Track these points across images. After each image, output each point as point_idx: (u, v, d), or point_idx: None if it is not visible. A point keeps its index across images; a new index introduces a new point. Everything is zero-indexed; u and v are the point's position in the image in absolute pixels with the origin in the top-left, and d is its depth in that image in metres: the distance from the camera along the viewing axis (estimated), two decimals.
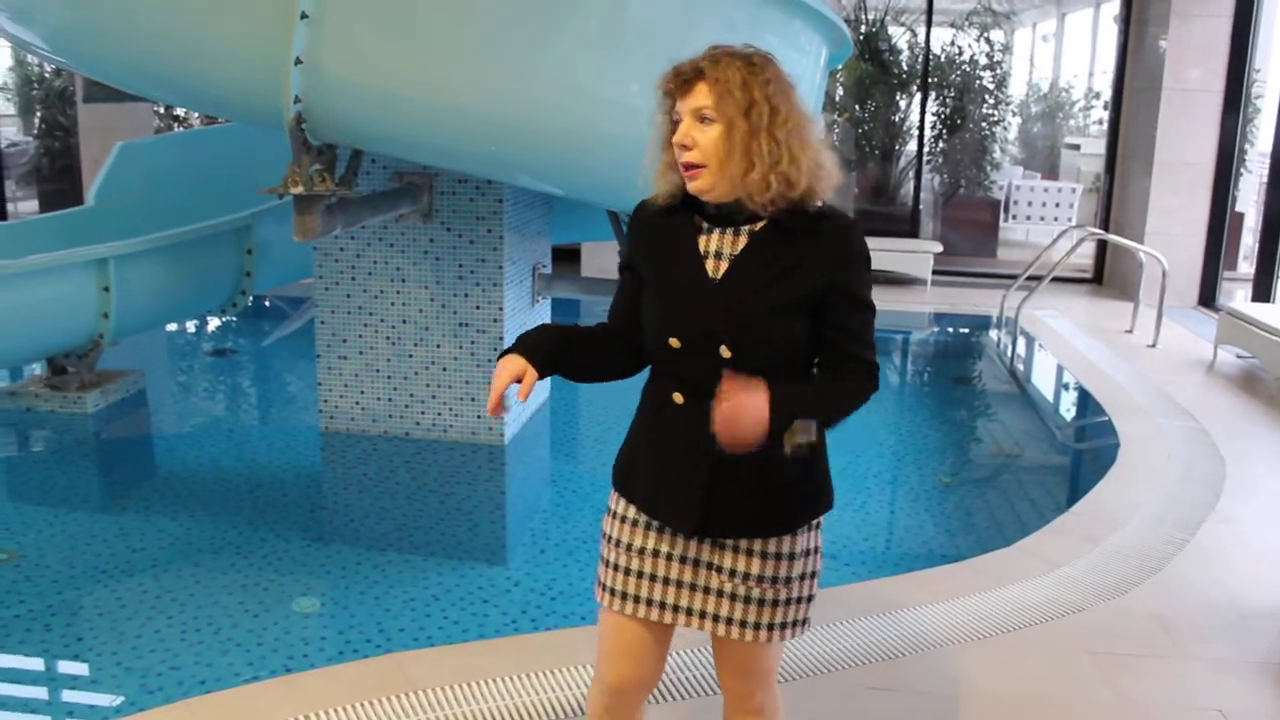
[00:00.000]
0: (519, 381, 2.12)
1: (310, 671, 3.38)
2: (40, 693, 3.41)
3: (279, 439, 6.02)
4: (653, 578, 2.21)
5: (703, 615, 2.21)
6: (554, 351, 2.17)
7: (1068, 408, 7.30)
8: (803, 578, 2.20)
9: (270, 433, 6.24)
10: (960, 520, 4.96)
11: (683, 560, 2.19)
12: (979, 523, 4.95)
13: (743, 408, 1.93)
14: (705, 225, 2.12)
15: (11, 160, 13.10)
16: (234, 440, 5.99)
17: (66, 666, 3.53)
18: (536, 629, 3.75)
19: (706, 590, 2.20)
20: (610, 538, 2.27)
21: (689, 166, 2.04)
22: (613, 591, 2.25)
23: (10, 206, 12.50)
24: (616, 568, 2.24)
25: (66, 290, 5.68)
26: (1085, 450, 6.35)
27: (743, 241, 2.08)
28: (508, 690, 3.20)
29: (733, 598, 2.18)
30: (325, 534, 4.67)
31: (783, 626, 2.20)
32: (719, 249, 2.10)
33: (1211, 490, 5.03)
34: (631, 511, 2.24)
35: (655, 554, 2.21)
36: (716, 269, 2.09)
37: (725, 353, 2.04)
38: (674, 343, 2.09)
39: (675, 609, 2.22)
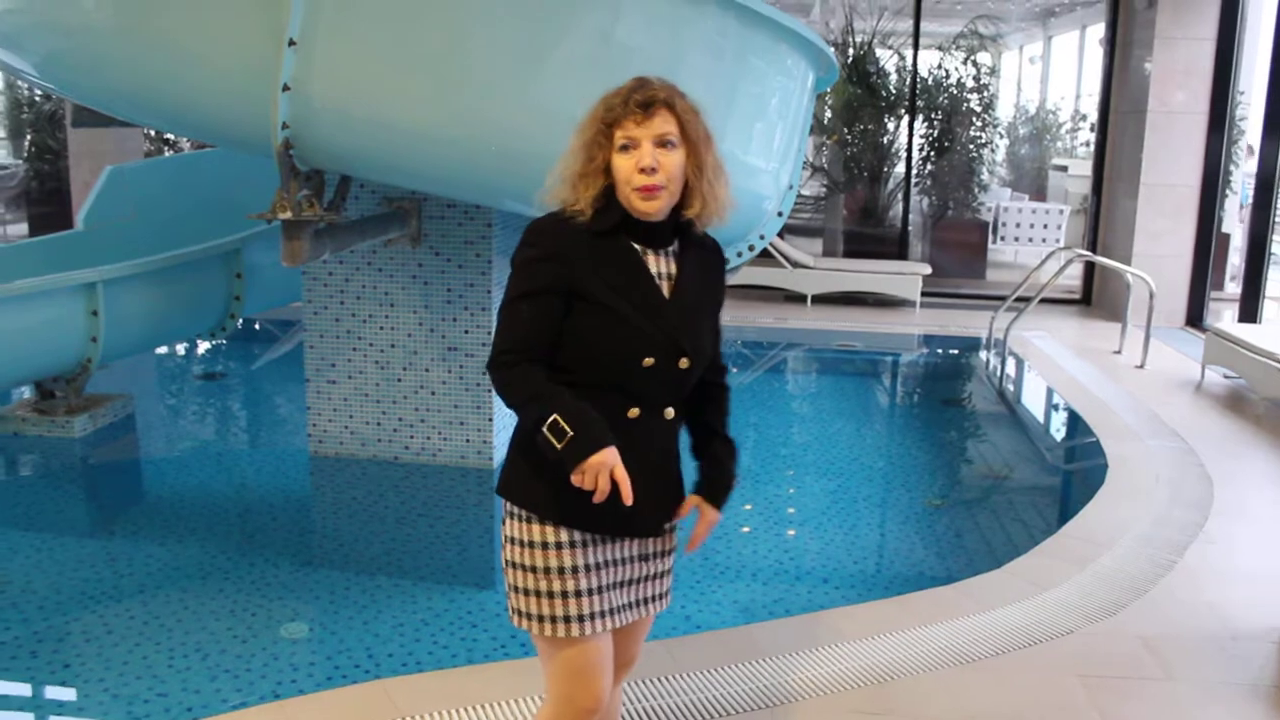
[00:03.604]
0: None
1: (298, 698, 3.37)
2: (26, 719, 3.40)
3: (268, 463, 6.01)
4: (616, 585, 2.31)
5: (648, 601, 2.38)
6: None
7: (1056, 429, 7.32)
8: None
9: (259, 457, 6.23)
10: (950, 542, 4.97)
11: (629, 560, 2.33)
12: (968, 545, 4.95)
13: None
14: (640, 247, 2.23)
15: (1, 184, 13.10)
16: (223, 464, 5.97)
17: (53, 693, 3.52)
18: (526, 654, 3.73)
19: (646, 579, 2.37)
20: (555, 569, 2.24)
21: (651, 189, 2.14)
22: (581, 618, 2.25)
23: None
24: (579, 594, 2.25)
25: (55, 314, 5.67)
26: (1074, 471, 6.37)
27: (673, 262, 2.26)
28: (495, 716, 3.19)
29: (662, 575, 2.41)
30: (314, 559, 4.65)
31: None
32: (659, 270, 2.24)
33: (1200, 511, 5.04)
34: (574, 535, 2.25)
35: (614, 563, 2.30)
36: (668, 289, 2.24)
37: (684, 364, 2.23)
38: (648, 361, 2.19)
39: (634, 605, 2.36)
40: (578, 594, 2.25)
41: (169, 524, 4.98)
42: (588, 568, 2.26)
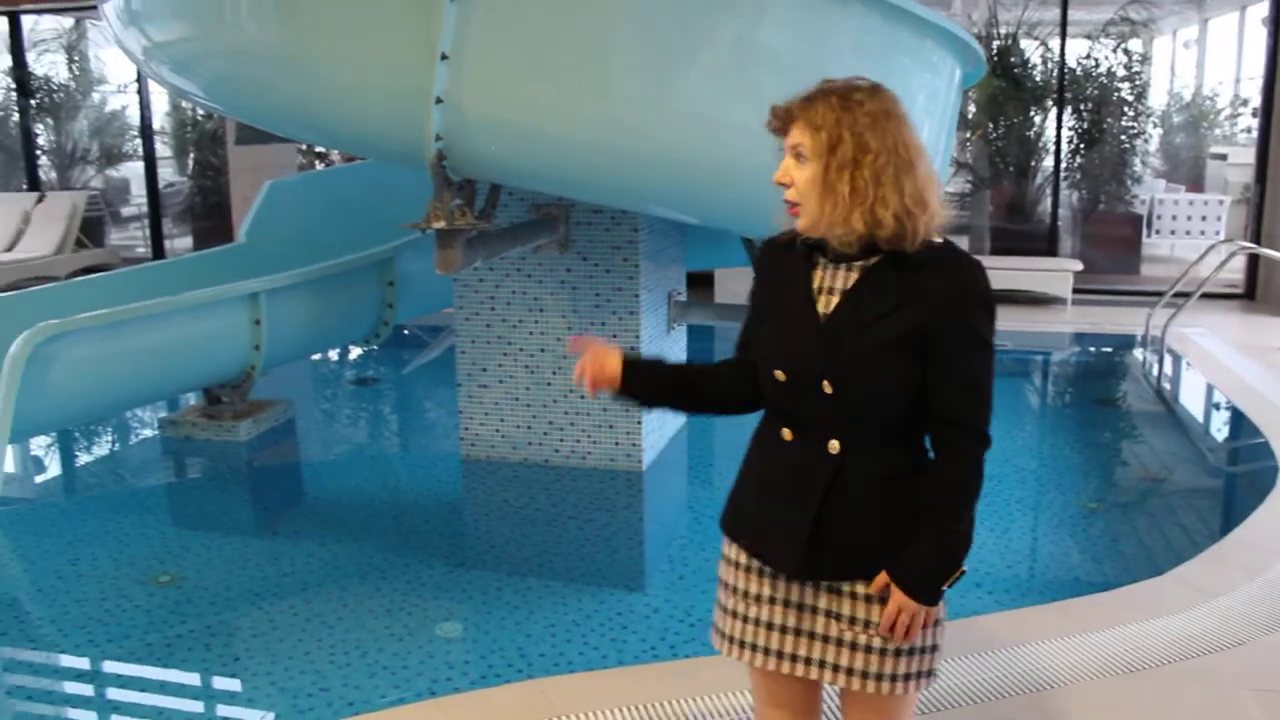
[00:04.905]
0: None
1: (456, 695, 3.45)
2: (199, 707, 3.58)
3: (421, 466, 6.18)
4: (766, 625, 2.20)
5: (822, 665, 2.17)
6: (649, 375, 2.33)
7: (1220, 429, 7.02)
8: (922, 626, 2.12)
9: (412, 460, 6.41)
10: (1106, 547, 4.81)
11: (786, 604, 2.18)
12: (1127, 550, 4.79)
13: (910, 630, 2.09)
14: (823, 261, 2.11)
15: (168, 200, 13.75)
16: (378, 467, 6.16)
17: (224, 684, 3.70)
18: (675, 656, 3.76)
19: (825, 639, 2.16)
20: (725, 583, 2.28)
21: (790, 204, 2.06)
22: (731, 640, 2.24)
23: (166, 244, 13.13)
24: (734, 615, 2.24)
25: (221, 324, 5.92)
26: (1241, 474, 6.10)
27: (854, 277, 2.07)
28: (651, 717, 3.22)
29: (852, 646, 2.14)
30: (467, 559, 4.77)
31: (906, 678, 2.14)
32: (831, 285, 2.09)
33: None
34: (742, 556, 2.23)
35: (760, 599, 2.20)
36: (827, 304, 2.09)
37: (827, 389, 2.05)
38: (779, 376, 2.10)
39: (793, 658, 2.18)
40: (733, 614, 2.25)
41: (328, 524, 5.16)
42: (745, 593, 2.22)
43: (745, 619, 2.22)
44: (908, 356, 2.02)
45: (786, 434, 2.13)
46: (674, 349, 6.08)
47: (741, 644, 2.23)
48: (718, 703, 3.28)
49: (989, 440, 2.08)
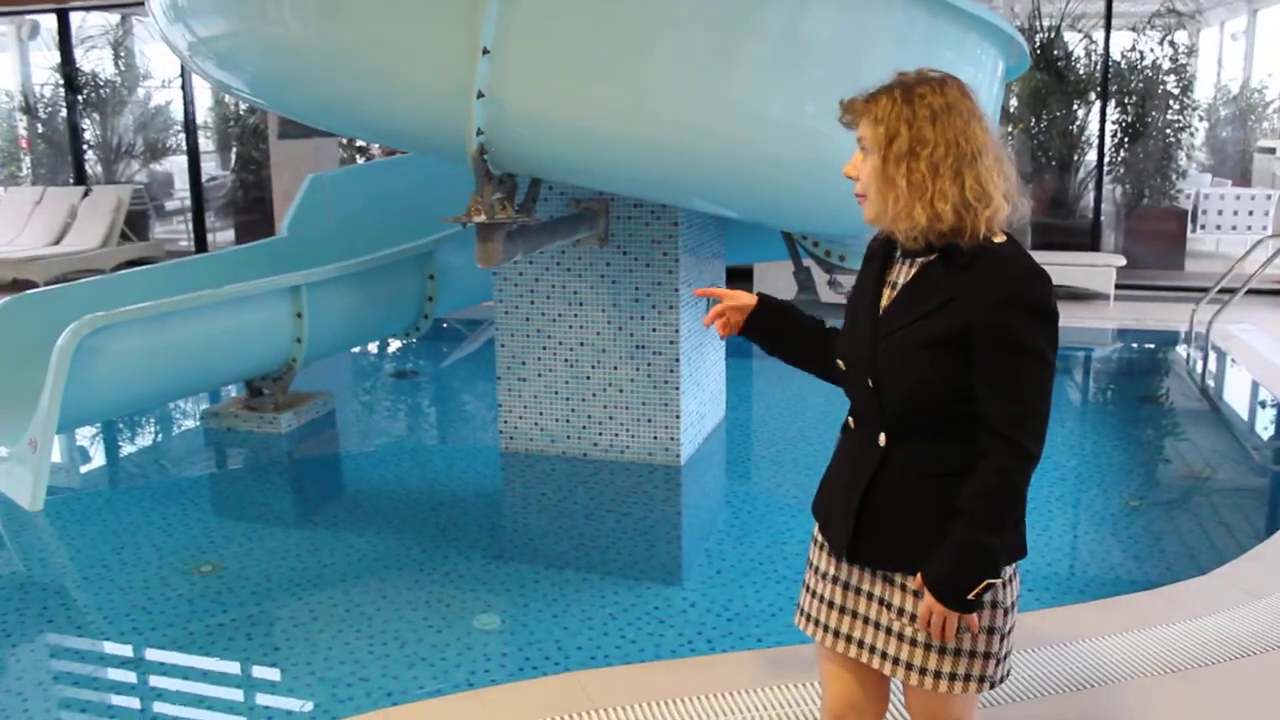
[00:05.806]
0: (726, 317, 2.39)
1: (495, 687, 3.47)
2: (239, 695, 3.62)
3: (460, 458, 6.20)
4: (827, 602, 2.27)
5: (873, 650, 2.19)
6: (778, 321, 2.37)
7: (1266, 427, 6.92)
8: (982, 631, 2.11)
9: (451, 452, 6.44)
10: (1149, 545, 4.76)
11: (846, 586, 2.24)
12: (1170, 548, 4.74)
13: (945, 631, 2.07)
14: (898, 254, 2.12)
15: (210, 194, 13.89)
16: (417, 459, 6.20)
17: (264, 673, 3.73)
18: (713, 650, 3.76)
19: (876, 625, 2.19)
20: (808, 558, 2.35)
21: (860, 196, 2.09)
22: (800, 610, 2.35)
23: (209, 237, 13.26)
24: (806, 587, 2.33)
25: (263, 317, 5.98)
26: None
27: (912, 273, 2.08)
28: (689, 712, 3.22)
29: (899, 636, 2.15)
30: (505, 552, 4.79)
31: (953, 678, 2.13)
32: (896, 279, 2.11)
33: None
34: (818, 534, 2.32)
35: (825, 575, 2.27)
36: (889, 299, 2.11)
37: (869, 382, 2.10)
38: (841, 365, 2.20)
39: (848, 638, 2.23)
40: (805, 585, 2.34)
41: (367, 516, 5.20)
42: (817, 568, 2.30)
43: (812, 592, 2.30)
44: (946, 357, 2.00)
45: (852, 421, 2.22)
46: (712, 343, 6.07)
47: (805, 615, 2.31)
48: (755, 698, 3.28)
49: (1029, 454, 2.02)
